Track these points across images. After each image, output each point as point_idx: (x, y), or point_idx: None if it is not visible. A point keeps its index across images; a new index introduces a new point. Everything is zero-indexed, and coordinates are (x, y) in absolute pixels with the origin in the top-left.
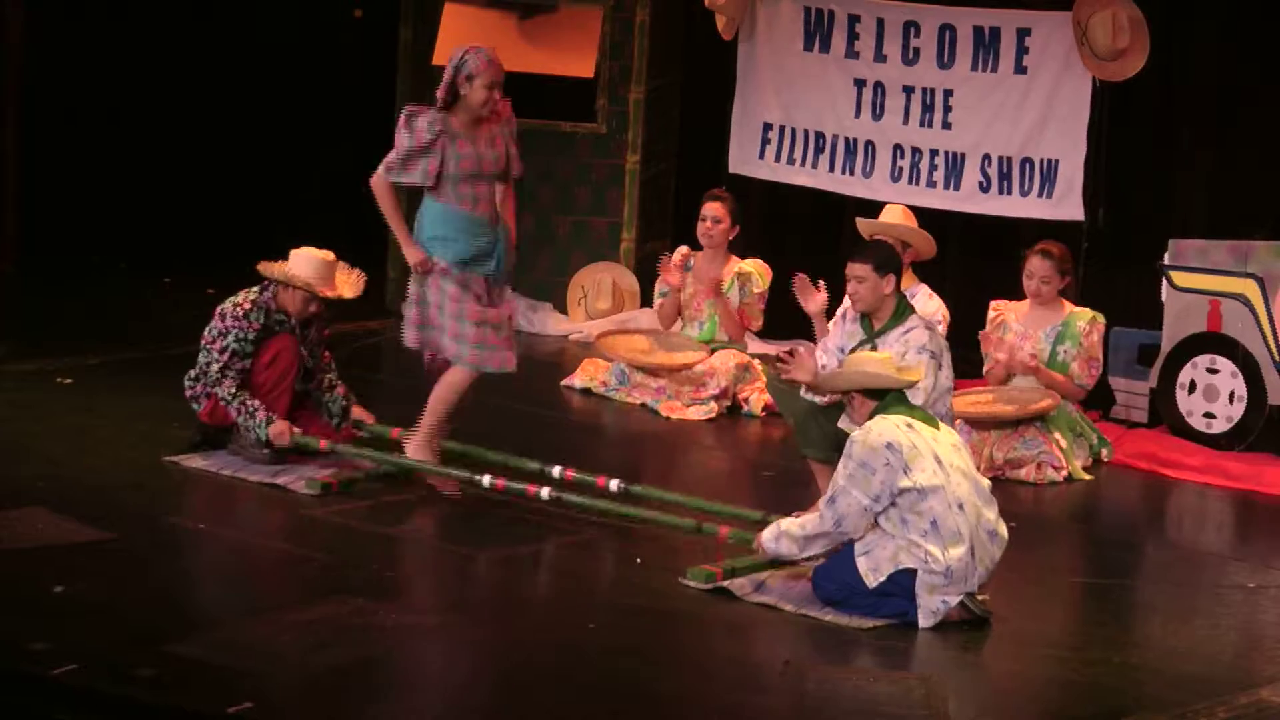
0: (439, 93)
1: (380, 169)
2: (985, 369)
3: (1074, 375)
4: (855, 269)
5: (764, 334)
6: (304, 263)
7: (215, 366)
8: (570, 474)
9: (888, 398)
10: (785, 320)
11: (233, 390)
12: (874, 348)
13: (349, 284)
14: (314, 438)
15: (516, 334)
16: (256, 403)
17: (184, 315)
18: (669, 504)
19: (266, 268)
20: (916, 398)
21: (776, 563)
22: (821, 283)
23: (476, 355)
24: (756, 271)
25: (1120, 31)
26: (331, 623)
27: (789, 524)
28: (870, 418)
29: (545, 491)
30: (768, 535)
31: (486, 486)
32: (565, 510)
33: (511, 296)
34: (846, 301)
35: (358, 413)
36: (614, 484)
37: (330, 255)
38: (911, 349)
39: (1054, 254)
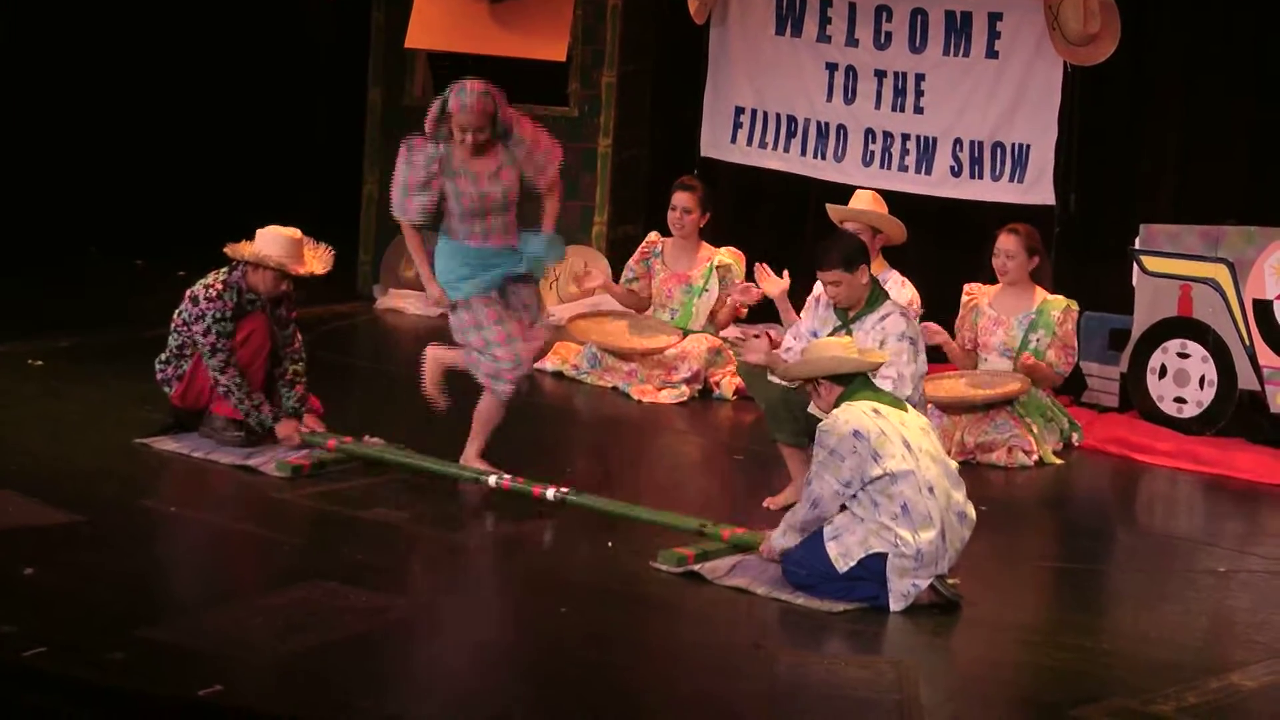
0: (426, 125)
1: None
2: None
3: (1051, 363)
4: (828, 275)
5: (735, 319)
6: (273, 242)
7: (215, 359)
8: (506, 483)
9: (854, 383)
10: (754, 306)
11: (237, 380)
12: (849, 333)
13: (318, 260)
14: (323, 434)
15: None
16: (260, 396)
17: (155, 298)
18: (603, 512)
19: (235, 250)
20: (904, 388)
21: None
22: (785, 271)
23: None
24: (735, 261)
25: (1091, 16)
26: (302, 606)
27: (788, 516)
28: (837, 404)
29: (551, 493)
30: (776, 534)
31: (494, 486)
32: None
33: (532, 286)
34: (818, 287)
35: (310, 421)
36: (550, 493)
37: (297, 233)
38: (890, 336)
39: (1020, 231)
